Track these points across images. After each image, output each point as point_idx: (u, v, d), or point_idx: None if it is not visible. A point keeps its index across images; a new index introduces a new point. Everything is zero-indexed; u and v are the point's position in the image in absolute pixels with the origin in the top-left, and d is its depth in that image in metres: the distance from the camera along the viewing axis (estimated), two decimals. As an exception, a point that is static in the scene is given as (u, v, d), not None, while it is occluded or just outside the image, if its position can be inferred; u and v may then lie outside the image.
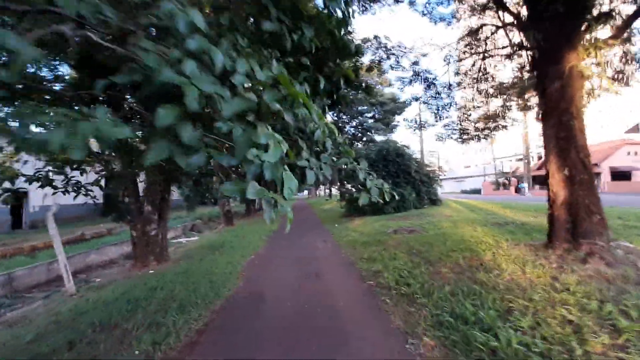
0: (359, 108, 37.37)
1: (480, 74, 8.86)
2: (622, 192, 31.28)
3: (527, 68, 7.77)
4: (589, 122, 40.00)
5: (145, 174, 7.65)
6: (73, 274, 8.36)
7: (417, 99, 10.81)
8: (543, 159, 41.21)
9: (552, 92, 5.38)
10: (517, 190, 38.02)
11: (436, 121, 10.70)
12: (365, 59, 11.30)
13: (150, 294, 5.25)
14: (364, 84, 12.14)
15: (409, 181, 16.10)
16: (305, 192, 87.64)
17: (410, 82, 10.18)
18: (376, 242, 8.70)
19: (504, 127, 10.32)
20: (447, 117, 10.46)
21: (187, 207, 21.32)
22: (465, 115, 10.36)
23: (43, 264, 7.87)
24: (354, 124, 40.13)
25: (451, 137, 11.19)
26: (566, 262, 4.79)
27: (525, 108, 9.79)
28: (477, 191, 48.02)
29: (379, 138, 35.19)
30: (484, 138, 10.82)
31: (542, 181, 37.98)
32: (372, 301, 4.52)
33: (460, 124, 10.75)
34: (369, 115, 38.76)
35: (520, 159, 45.61)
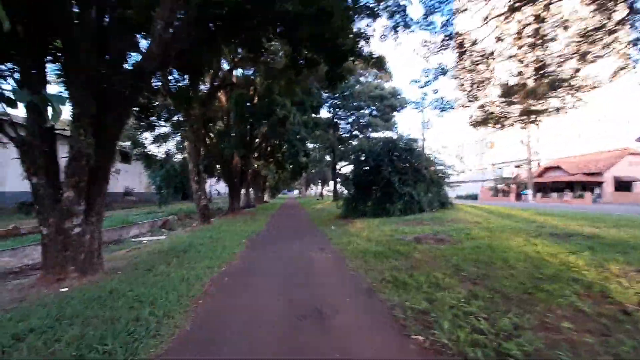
0: (356, 103, 35.10)
1: (540, 30, 6.60)
2: (625, 202, 29.91)
3: None
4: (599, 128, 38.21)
5: (73, 141, 5.12)
6: None
7: (444, 72, 8.55)
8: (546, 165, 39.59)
9: None
10: (518, 196, 36.38)
11: (470, 101, 8.48)
12: (379, 25, 9.02)
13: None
14: (374, 55, 9.74)
15: (419, 180, 13.85)
16: (296, 191, 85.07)
17: (440, 48, 7.88)
18: (395, 253, 6.37)
19: (559, 109, 8.14)
20: (479, 98, 8.29)
21: (160, 201, 18.68)
22: (509, 93, 8.12)
23: None
24: (350, 120, 37.87)
25: (488, 123, 8.97)
26: None
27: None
28: (473, 197, 46.38)
29: (376, 135, 33.01)
30: (530, 123, 8.64)
31: (543, 188, 36.46)
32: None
33: (498, 105, 8.52)
34: (367, 111, 36.54)
35: (518, 166, 44.21)
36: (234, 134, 19.20)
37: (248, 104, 17.10)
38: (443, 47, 7.94)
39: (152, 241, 10.61)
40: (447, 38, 7.75)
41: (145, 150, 18.92)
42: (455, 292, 4.06)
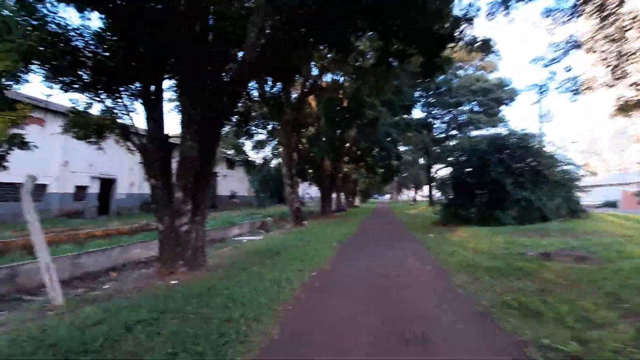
0: (453, 100, 32.01)
1: None
2: None
3: None
4: None
5: (181, 146, 5.64)
6: (96, 273, 6.93)
7: (577, 45, 6.78)
8: None
9: None
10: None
11: (615, 79, 6.53)
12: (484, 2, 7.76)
13: (118, 336, 2.96)
14: (477, 39, 8.39)
15: (540, 182, 11.54)
16: (387, 196, 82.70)
17: (571, 16, 6.27)
18: (516, 271, 5.18)
19: None
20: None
21: (257, 203, 20.12)
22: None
23: (69, 257, 6.54)
24: (447, 119, 34.83)
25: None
26: None
27: None
28: (611, 204, 37.39)
29: (478, 133, 29.49)
30: None
31: None
32: None
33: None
34: (466, 107, 33.00)
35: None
36: (324, 139, 19.51)
37: (337, 107, 17.14)
38: (575, 14, 6.29)
39: (251, 241, 11.29)
40: (581, 2, 6.10)
41: (246, 156, 20.72)
42: (618, 330, 2.92)
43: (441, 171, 33.56)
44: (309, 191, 27.65)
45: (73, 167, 16.28)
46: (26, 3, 4.66)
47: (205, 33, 6.44)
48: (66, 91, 5.67)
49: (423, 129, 32.57)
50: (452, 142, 32.15)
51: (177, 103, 5.72)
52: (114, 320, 3.33)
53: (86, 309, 3.75)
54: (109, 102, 5.96)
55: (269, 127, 18.15)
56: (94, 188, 17.84)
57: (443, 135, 35.40)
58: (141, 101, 5.87)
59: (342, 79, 17.41)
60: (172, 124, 41.07)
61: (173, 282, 5.21)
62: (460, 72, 32.44)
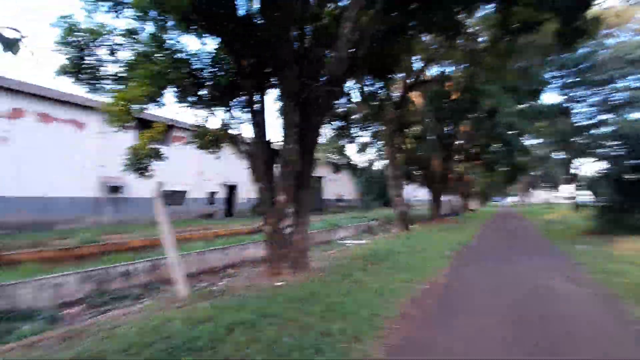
0: (600, 77, 25.30)
1: None
2: None
3: None
4: None
5: (283, 149, 5.75)
6: (218, 268, 7.66)
7: None
8: None
9: None
10: None
11: None
12: None
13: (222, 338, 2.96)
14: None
15: None
16: (511, 198, 70.30)
17: None
18: None
19: None
20: None
21: (362, 206, 19.83)
22: None
23: (197, 254, 7.47)
24: (594, 100, 27.82)
25: None
26: None
27: None
28: None
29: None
30: None
31: None
32: None
33: None
34: (620, 84, 25.64)
35: None
36: (431, 137, 17.95)
37: (445, 101, 15.49)
38: None
39: (356, 245, 11.02)
40: None
41: (349, 160, 20.76)
42: None
43: (587, 166, 27.06)
44: (416, 193, 26.00)
45: (206, 175, 19.27)
46: (156, 35, 5.43)
47: (302, 37, 6.49)
48: (190, 108, 6.45)
49: (559, 116, 26.80)
50: (603, 129, 25.33)
51: (279, 107, 5.85)
52: (219, 319, 3.41)
53: (200, 305, 4.01)
54: (222, 115, 6.55)
55: (372, 129, 17.74)
56: (222, 193, 20.71)
57: (588, 122, 28.32)
58: (247, 109, 6.25)
59: (449, 70, 15.69)
60: (275, 129, 44.95)
61: (278, 283, 5.26)
62: (610, 41, 25.45)
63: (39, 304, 4.93)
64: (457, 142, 21.20)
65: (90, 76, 5.64)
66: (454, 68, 15.28)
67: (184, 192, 18.21)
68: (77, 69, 5.47)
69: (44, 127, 12.67)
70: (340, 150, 20.50)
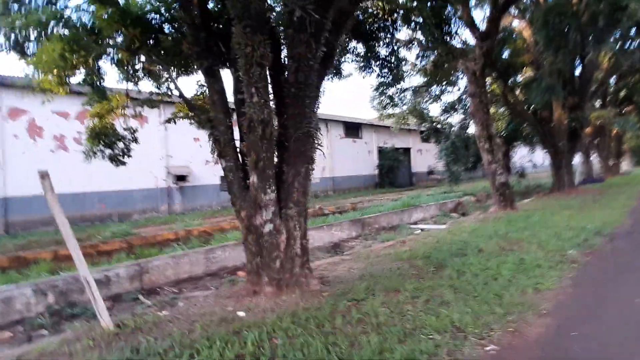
0: None
1: None
2: None
3: None
4: None
5: (246, 105, 3.68)
6: (216, 272, 6.12)
7: None
8: None
9: None
10: None
11: None
12: None
13: None
14: None
15: None
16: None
17: None
18: None
19: None
20: None
21: (449, 179, 16.09)
22: None
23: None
24: None
25: None
26: None
27: None
28: None
29: None
30: None
31: None
32: None
33: None
34: None
35: None
36: (548, 79, 12.81)
37: (567, 20, 10.43)
38: None
39: (425, 232, 8.23)
40: None
41: (434, 124, 17.03)
42: None
43: None
44: (531, 158, 20.30)
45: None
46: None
47: None
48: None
49: None
50: None
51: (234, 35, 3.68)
52: None
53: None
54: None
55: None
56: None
57: None
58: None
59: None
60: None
61: (240, 313, 3.38)
62: None
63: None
64: (593, 79, 15.05)
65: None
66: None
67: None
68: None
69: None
70: (421, 113, 16.92)
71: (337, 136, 23.12)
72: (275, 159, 4.01)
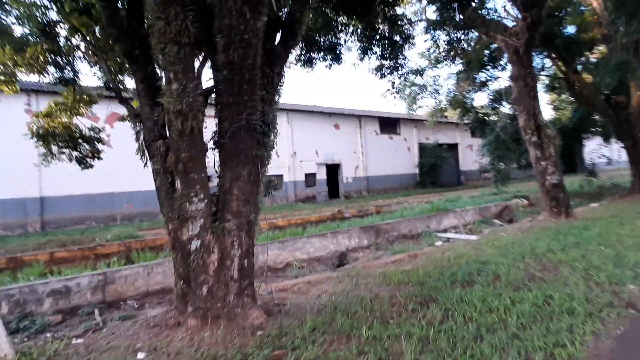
0: None
1: None
2: None
3: None
4: None
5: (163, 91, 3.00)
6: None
7: None
8: None
9: None
10: None
11: None
12: None
13: None
14: None
15: None
16: None
17: None
18: None
19: None
20: None
21: (494, 179, 14.03)
22: None
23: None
24: None
25: None
26: None
27: None
28: None
29: None
30: None
31: None
32: None
33: None
34: None
35: None
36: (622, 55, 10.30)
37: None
38: None
39: (451, 242, 6.89)
40: None
41: (479, 115, 15.02)
42: None
43: None
44: (603, 152, 17.08)
45: (301, 156, 17.99)
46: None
47: None
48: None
49: None
50: None
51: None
52: None
53: None
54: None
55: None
56: (321, 174, 19.00)
57: None
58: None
59: None
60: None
61: (140, 355, 2.69)
62: None
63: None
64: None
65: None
66: None
67: (280, 176, 17.44)
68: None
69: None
70: (463, 104, 15.03)
71: (372, 132, 21.78)
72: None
